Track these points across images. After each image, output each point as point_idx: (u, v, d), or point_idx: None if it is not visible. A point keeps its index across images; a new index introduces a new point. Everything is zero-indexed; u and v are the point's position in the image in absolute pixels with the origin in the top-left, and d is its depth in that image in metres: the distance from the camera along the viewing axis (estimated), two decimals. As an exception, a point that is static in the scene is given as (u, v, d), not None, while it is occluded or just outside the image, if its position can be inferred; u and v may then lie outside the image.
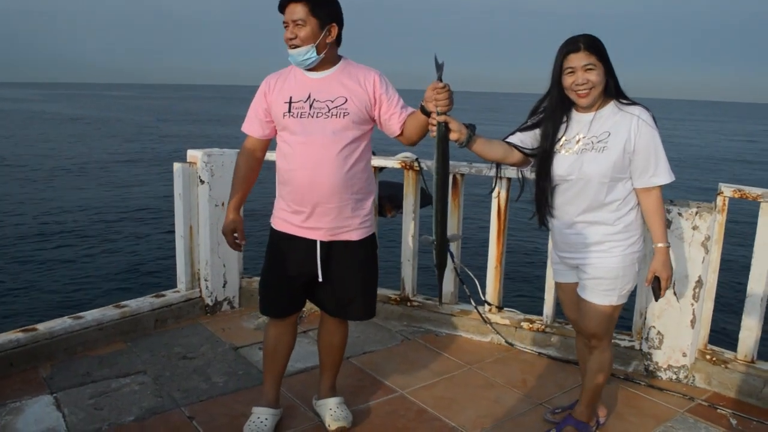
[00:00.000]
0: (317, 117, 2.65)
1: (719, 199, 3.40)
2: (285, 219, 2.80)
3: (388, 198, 4.56)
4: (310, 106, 2.66)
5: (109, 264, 9.73)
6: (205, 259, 4.35)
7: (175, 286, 4.46)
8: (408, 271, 4.31)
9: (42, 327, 3.68)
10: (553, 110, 2.65)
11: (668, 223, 3.39)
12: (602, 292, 2.66)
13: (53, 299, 8.07)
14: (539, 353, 3.86)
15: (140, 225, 12.24)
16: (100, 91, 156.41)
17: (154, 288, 4.77)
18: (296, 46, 2.62)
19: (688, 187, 18.32)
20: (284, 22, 2.65)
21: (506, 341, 3.98)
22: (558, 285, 2.98)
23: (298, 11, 2.60)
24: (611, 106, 2.59)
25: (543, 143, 2.67)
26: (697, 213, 3.36)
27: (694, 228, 3.36)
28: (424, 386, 3.44)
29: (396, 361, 3.74)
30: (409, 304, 4.31)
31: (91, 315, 3.91)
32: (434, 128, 2.46)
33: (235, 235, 2.88)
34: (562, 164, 2.62)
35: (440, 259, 2.63)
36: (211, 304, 4.41)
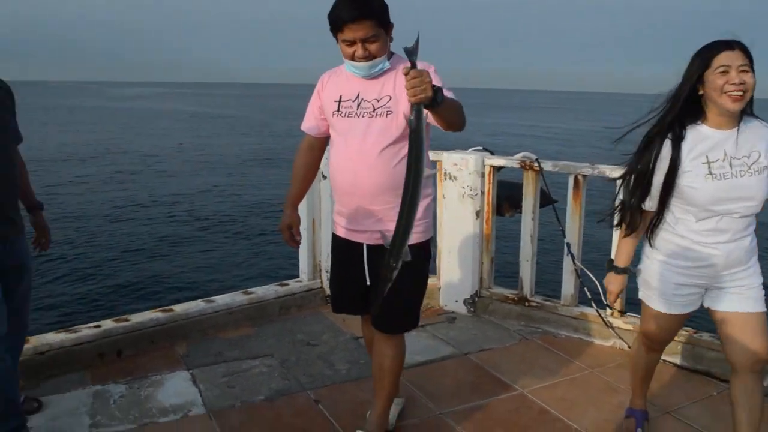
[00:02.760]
0: (362, 117, 2.54)
1: None
2: (336, 221, 2.76)
3: (506, 198, 4.53)
4: (358, 106, 2.55)
5: (237, 253, 10.23)
6: (326, 251, 4.47)
7: (298, 276, 4.63)
8: (527, 271, 4.28)
9: (178, 308, 3.94)
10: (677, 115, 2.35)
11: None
12: (762, 298, 2.48)
13: (185, 282, 8.58)
14: (665, 360, 3.71)
15: (266, 217, 12.70)
16: (214, 90, 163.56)
17: (277, 277, 4.97)
18: (370, 60, 2.44)
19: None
20: (346, 40, 2.40)
21: (629, 346, 3.87)
22: (668, 317, 2.59)
23: (367, 29, 2.36)
24: (751, 120, 2.35)
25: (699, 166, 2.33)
26: None
27: None
28: (545, 386, 3.40)
29: (514, 360, 3.72)
30: (527, 304, 4.28)
31: (222, 299, 4.14)
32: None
33: (292, 231, 2.82)
34: (724, 189, 2.31)
35: (387, 270, 2.22)
36: (331, 294, 4.55)
